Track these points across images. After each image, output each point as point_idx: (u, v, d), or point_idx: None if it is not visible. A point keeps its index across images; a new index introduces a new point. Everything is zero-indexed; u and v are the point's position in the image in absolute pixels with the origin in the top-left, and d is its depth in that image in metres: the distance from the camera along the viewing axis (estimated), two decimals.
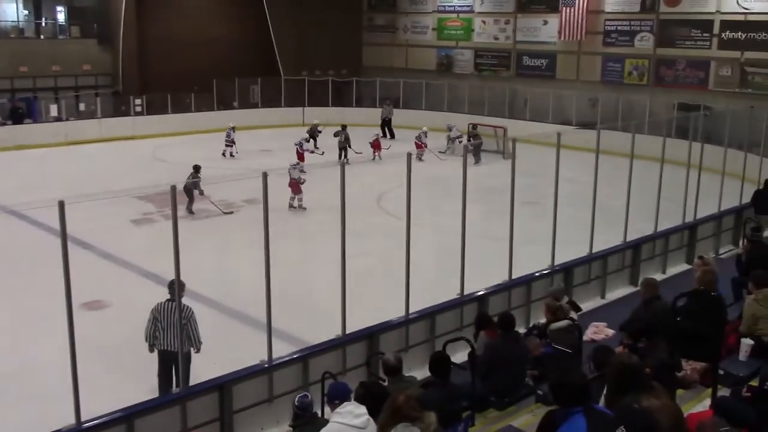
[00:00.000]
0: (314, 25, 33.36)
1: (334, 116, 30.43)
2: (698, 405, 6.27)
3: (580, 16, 28.66)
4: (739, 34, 25.01)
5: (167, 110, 30.02)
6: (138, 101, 29.62)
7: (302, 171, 18.10)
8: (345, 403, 5.30)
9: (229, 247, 15.37)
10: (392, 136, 28.91)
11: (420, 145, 24.65)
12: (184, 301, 8.43)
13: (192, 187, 17.13)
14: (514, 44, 31.76)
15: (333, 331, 9.17)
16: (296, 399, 6.39)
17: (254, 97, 32.80)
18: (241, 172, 19.44)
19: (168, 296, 8.65)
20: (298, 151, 22.32)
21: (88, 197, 13.60)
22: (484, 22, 32.72)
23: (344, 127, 24.68)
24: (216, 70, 30.85)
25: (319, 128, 26.38)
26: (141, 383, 8.95)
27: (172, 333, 8.51)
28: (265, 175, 8.05)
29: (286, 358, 8.72)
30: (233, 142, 25.08)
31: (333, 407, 5.46)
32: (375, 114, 30.33)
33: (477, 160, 23.94)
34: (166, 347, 8.69)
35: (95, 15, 31.07)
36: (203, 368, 8.74)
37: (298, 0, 33.30)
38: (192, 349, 8.69)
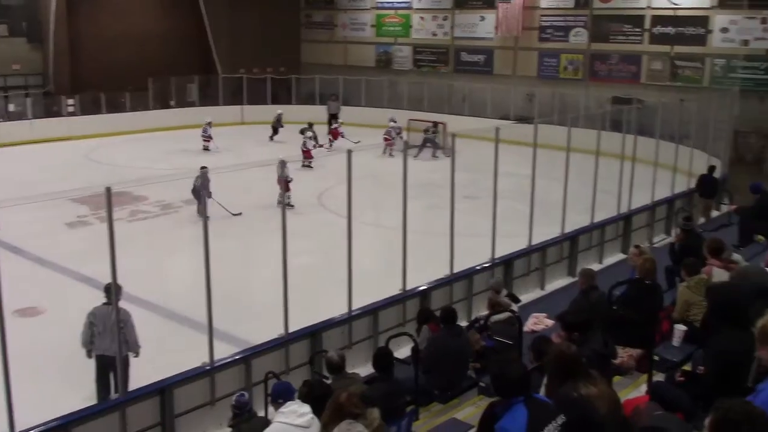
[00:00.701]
0: (251, 22, 32.99)
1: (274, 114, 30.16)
2: (634, 391, 6.43)
3: (516, 12, 29.04)
4: (669, 28, 25.71)
5: (101, 110, 29.27)
6: (70, 101, 28.80)
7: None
8: (288, 402, 5.27)
9: (167, 248, 15.11)
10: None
11: (389, 140, 24.71)
12: (121, 304, 8.25)
13: (201, 189, 16.82)
14: (452, 40, 32.01)
15: (275, 331, 9.10)
16: (233, 399, 6.36)
17: (191, 96, 32.28)
18: (180, 171, 19.09)
19: (104, 300, 8.45)
20: (303, 150, 22.53)
21: (19, 201, 13.19)
22: (422, 18, 32.89)
23: (311, 125, 24.80)
24: (151, 68, 30.25)
25: (280, 114, 27.33)
26: (79, 390, 8.73)
27: (109, 338, 8.31)
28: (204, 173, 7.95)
29: (228, 360, 8.63)
30: (210, 137, 25.16)
31: (276, 407, 5.43)
32: (316, 111, 30.14)
33: (428, 155, 24.16)
34: (103, 352, 8.49)
35: (24, 12, 30.09)
36: (143, 372, 8.57)
37: None
38: (130, 353, 8.51)
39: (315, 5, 36.73)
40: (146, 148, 25.25)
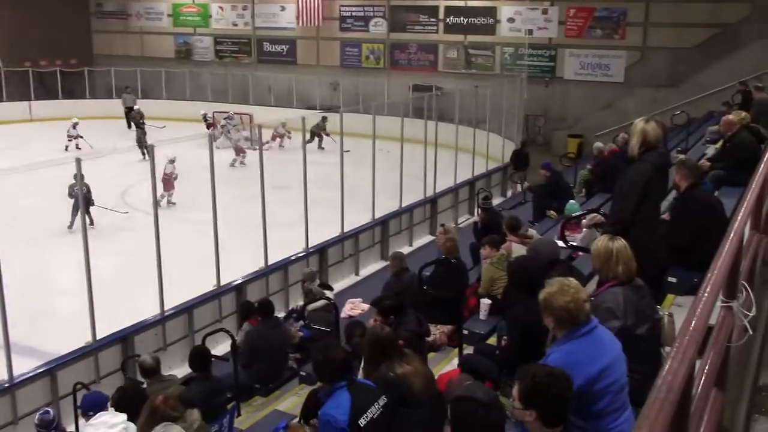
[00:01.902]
0: (34, 10, 30.59)
1: (67, 110, 28.23)
2: (448, 365, 6.74)
3: (316, 2, 29.17)
4: (462, 19, 27.01)
5: None
6: None
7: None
8: (99, 413, 5.02)
9: None
10: (138, 126, 27.54)
11: (275, 136, 23.72)
12: None
13: (87, 195, 15.24)
14: (253, 30, 31.60)
15: (83, 339, 8.61)
16: (36, 417, 5.97)
17: None
18: None
19: None
20: (234, 147, 21.30)
21: None
22: (221, 8, 32.16)
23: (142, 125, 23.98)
24: None
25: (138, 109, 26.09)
26: None
27: None
28: None
29: (30, 374, 8.07)
30: (72, 138, 23.33)
31: (88, 419, 5.15)
32: (112, 105, 28.66)
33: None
34: None
35: None
36: None
37: None
38: None
39: None
40: None
